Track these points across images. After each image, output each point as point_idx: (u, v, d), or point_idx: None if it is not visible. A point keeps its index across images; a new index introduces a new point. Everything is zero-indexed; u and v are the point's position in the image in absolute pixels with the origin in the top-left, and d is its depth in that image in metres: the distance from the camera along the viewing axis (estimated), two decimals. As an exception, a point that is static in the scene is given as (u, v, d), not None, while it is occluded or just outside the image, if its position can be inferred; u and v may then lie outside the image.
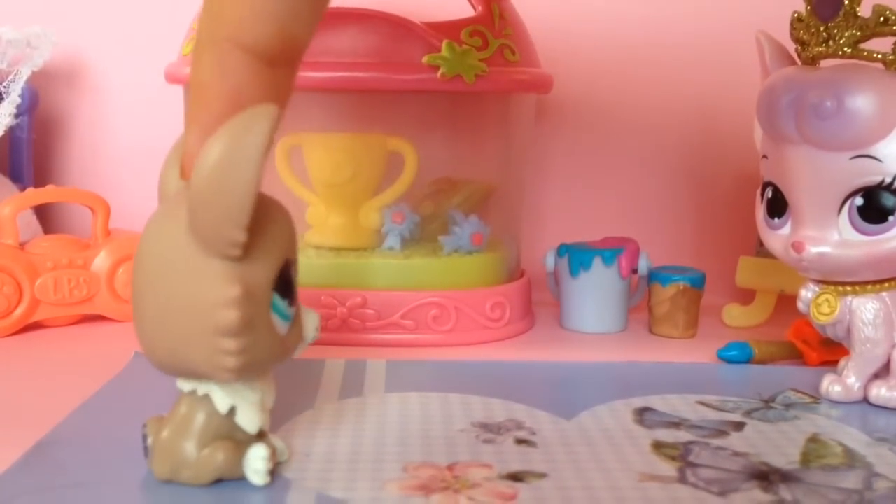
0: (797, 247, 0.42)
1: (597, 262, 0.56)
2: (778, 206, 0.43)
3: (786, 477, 0.34)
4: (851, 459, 0.36)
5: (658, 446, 0.37)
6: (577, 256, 0.56)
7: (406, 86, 0.51)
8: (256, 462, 0.32)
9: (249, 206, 0.28)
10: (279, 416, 0.38)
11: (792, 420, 0.40)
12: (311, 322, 0.34)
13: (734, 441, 0.38)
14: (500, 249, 0.58)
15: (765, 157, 0.44)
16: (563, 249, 0.57)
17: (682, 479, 0.33)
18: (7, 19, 0.65)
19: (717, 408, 0.42)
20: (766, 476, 0.34)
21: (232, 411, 0.32)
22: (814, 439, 0.38)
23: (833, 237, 0.41)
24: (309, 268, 0.54)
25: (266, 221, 0.30)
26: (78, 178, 0.72)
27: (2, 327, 0.53)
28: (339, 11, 0.52)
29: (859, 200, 0.40)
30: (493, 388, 0.44)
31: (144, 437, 0.33)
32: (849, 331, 0.43)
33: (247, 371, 0.30)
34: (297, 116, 0.58)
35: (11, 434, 0.37)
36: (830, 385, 0.43)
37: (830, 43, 0.41)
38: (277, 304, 0.31)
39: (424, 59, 0.51)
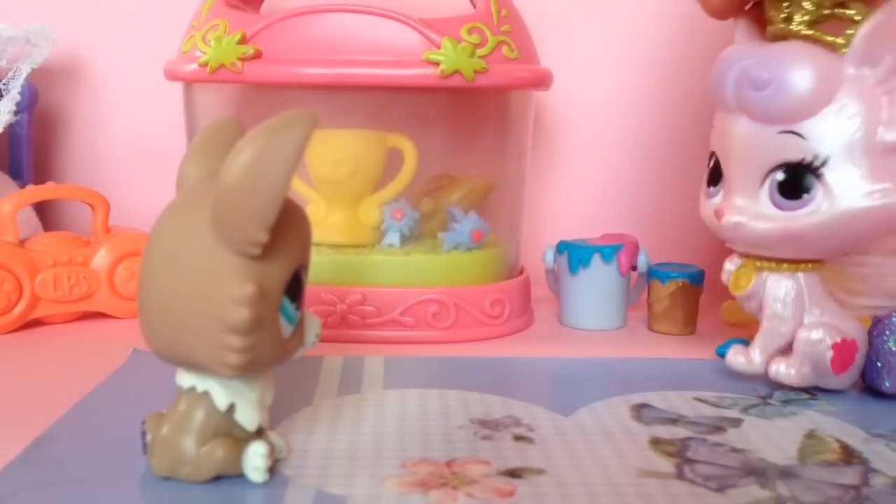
0: (717, 214, 0.43)
1: (596, 259, 0.56)
2: (717, 175, 0.44)
3: (783, 473, 0.34)
4: (848, 455, 0.36)
5: (656, 442, 0.37)
6: (576, 253, 0.56)
7: (406, 82, 0.51)
8: (255, 459, 0.32)
9: (276, 208, 0.28)
10: (278, 413, 0.38)
11: (789, 416, 0.40)
12: (312, 328, 0.34)
13: (732, 437, 0.38)
14: (500, 246, 0.58)
15: (714, 126, 0.44)
16: (562, 246, 0.57)
17: (679, 476, 0.34)
18: (7, 16, 0.65)
19: (715, 404, 0.42)
20: (763, 472, 0.34)
21: (231, 408, 0.32)
22: (811, 435, 0.38)
23: (753, 209, 0.41)
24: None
25: (287, 224, 0.30)
26: (78, 175, 0.72)
27: (2, 324, 0.53)
28: (340, 8, 0.52)
29: (780, 175, 0.41)
30: (492, 385, 0.44)
31: (143, 434, 0.33)
32: (760, 306, 0.43)
33: (248, 370, 0.30)
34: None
35: (10, 430, 0.37)
36: (735, 355, 0.44)
37: (790, 21, 0.41)
38: (286, 308, 0.31)
39: (424, 56, 0.51)
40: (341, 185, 0.56)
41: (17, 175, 0.68)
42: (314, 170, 0.56)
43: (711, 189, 0.44)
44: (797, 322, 0.42)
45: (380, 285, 0.53)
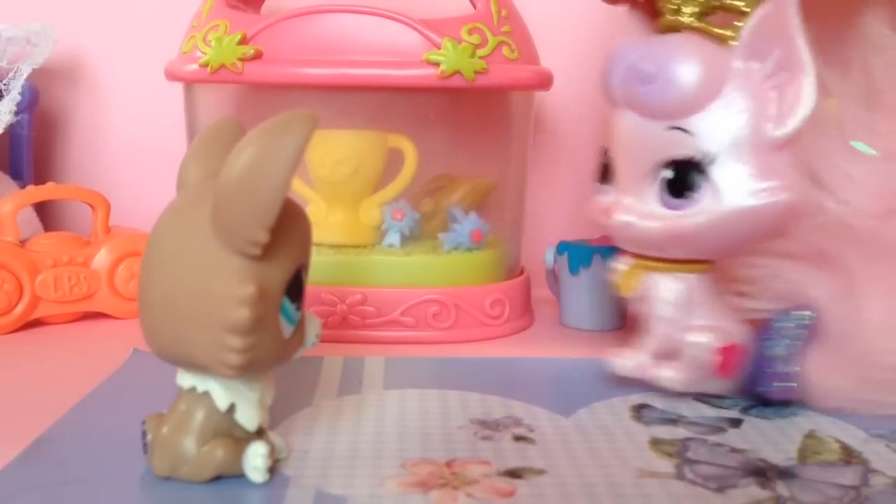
0: (607, 212, 0.41)
1: (596, 260, 0.56)
2: (607, 172, 0.42)
3: (783, 473, 0.34)
4: (848, 456, 0.36)
5: (656, 443, 0.37)
6: (576, 254, 0.56)
7: (406, 83, 0.51)
8: (256, 459, 0.32)
9: (277, 208, 0.28)
10: (278, 414, 0.38)
11: (789, 417, 0.40)
12: (312, 328, 0.34)
13: (731, 437, 0.38)
14: (500, 247, 0.58)
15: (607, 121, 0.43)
16: (562, 247, 0.57)
17: (679, 476, 0.34)
18: (7, 17, 0.65)
19: (715, 405, 0.42)
20: (763, 472, 0.34)
21: (231, 409, 0.32)
22: (811, 436, 0.38)
23: (642, 208, 0.40)
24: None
25: (288, 224, 0.30)
26: (78, 175, 0.72)
27: (2, 324, 0.53)
28: (340, 9, 0.52)
29: (668, 173, 0.39)
30: (492, 385, 0.44)
31: (144, 434, 0.33)
32: (649, 307, 0.42)
33: (248, 370, 0.31)
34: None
35: (11, 430, 0.37)
36: (620, 359, 0.42)
37: (680, 13, 0.41)
38: (286, 308, 0.31)
39: (424, 57, 0.51)
40: (342, 185, 0.56)
41: (18, 175, 0.68)
42: (315, 170, 0.56)
43: (605, 187, 0.42)
44: (685, 325, 0.41)
45: (380, 286, 0.53)
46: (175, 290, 0.30)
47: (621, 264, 0.43)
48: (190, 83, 0.57)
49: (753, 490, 0.32)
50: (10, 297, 0.53)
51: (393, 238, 0.56)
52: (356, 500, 0.31)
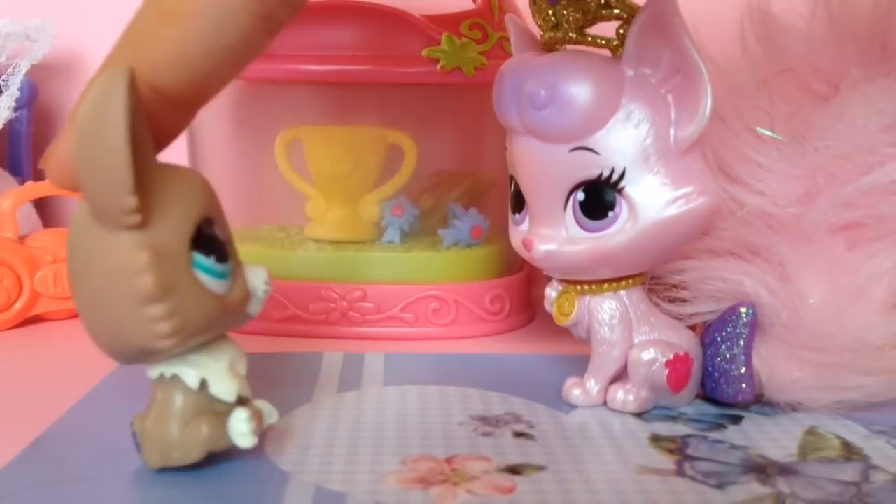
0: (526, 245, 0.39)
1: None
2: (519, 201, 0.41)
3: (783, 470, 0.34)
4: (849, 452, 0.36)
5: (656, 439, 0.37)
6: (576, 249, 0.56)
7: (405, 78, 0.51)
8: (239, 425, 0.32)
9: (127, 170, 0.28)
10: (278, 410, 0.38)
11: (789, 413, 0.40)
12: (257, 277, 0.33)
13: (732, 434, 0.38)
14: (500, 242, 0.58)
15: (507, 148, 0.41)
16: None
17: (679, 472, 0.34)
18: (6, 12, 0.65)
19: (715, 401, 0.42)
20: (763, 469, 0.34)
21: (204, 385, 0.32)
22: (811, 432, 0.38)
23: (561, 234, 0.39)
24: (309, 261, 0.54)
25: (171, 185, 0.30)
26: (78, 171, 0.72)
27: (1, 321, 0.53)
28: (339, 4, 0.52)
29: (581, 195, 0.38)
30: (492, 382, 0.44)
31: (134, 434, 0.33)
32: (588, 332, 0.41)
33: (184, 333, 0.30)
34: (296, 110, 0.58)
35: (11, 429, 0.37)
36: (571, 388, 0.41)
37: (559, 28, 0.39)
38: (201, 262, 0.30)
39: (424, 52, 0.50)
40: (341, 181, 0.56)
41: (17, 171, 0.67)
42: (314, 166, 0.56)
43: (518, 216, 0.41)
44: (627, 343, 0.39)
45: (380, 282, 0.53)
46: (90, 290, 0.30)
47: (552, 290, 0.42)
48: (189, 79, 0.57)
49: (754, 486, 0.32)
50: (9, 293, 0.53)
51: (393, 234, 0.55)
52: (356, 496, 0.31)
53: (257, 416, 0.33)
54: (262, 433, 0.33)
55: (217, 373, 0.32)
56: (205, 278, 0.30)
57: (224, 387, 0.32)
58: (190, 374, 0.31)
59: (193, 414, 0.32)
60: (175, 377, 0.32)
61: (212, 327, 0.32)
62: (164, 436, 0.32)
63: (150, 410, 0.32)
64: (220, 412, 0.32)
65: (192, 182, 0.31)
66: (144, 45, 0.30)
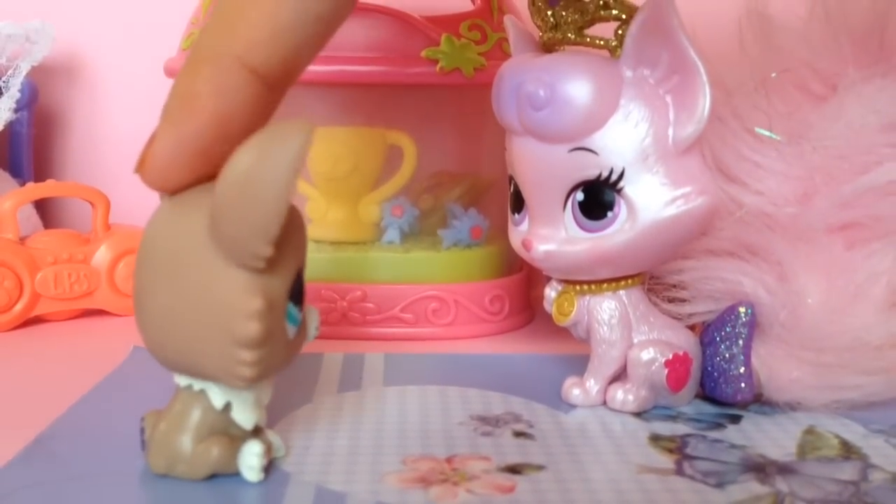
0: (526, 245, 0.40)
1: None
2: (519, 201, 0.41)
3: (782, 469, 0.34)
4: (847, 451, 0.36)
5: (655, 439, 0.37)
6: (575, 250, 0.56)
7: (405, 79, 0.51)
8: (250, 458, 0.32)
9: (279, 222, 0.27)
10: (277, 411, 0.38)
11: (788, 412, 0.40)
12: (312, 321, 0.34)
13: (731, 433, 0.38)
14: (500, 243, 0.58)
15: (506, 149, 0.42)
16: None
17: (679, 472, 0.34)
18: (6, 14, 0.65)
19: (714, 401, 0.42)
20: (762, 468, 0.34)
21: (227, 407, 0.32)
22: (810, 431, 0.38)
23: (560, 234, 0.39)
24: (308, 262, 0.53)
25: (290, 230, 0.29)
26: (78, 172, 0.72)
27: (2, 322, 0.53)
28: (338, 5, 0.52)
29: (580, 195, 0.38)
30: (492, 382, 0.44)
31: (142, 431, 0.33)
32: (588, 332, 0.41)
33: (260, 379, 0.30)
34: (295, 111, 0.58)
35: (11, 428, 0.37)
36: (570, 388, 0.41)
37: (558, 29, 0.39)
38: (291, 312, 0.31)
39: (423, 53, 0.51)
40: (341, 182, 0.56)
41: (18, 173, 0.68)
42: (314, 167, 0.56)
43: (517, 216, 0.41)
44: (627, 343, 0.40)
45: (380, 282, 0.53)
46: (176, 303, 0.29)
47: (551, 290, 0.42)
48: (189, 80, 0.57)
49: (753, 486, 0.32)
50: (10, 294, 0.53)
51: (392, 235, 0.56)
52: (356, 496, 0.31)
53: (267, 450, 0.32)
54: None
55: (244, 400, 0.32)
56: (287, 326, 0.31)
57: (246, 415, 0.32)
58: (218, 394, 0.31)
59: (209, 431, 0.32)
60: (202, 392, 0.31)
61: (278, 371, 0.32)
62: (174, 445, 0.32)
63: (165, 414, 0.32)
64: (233, 436, 0.32)
65: (300, 229, 0.31)
66: (236, 26, 0.29)
